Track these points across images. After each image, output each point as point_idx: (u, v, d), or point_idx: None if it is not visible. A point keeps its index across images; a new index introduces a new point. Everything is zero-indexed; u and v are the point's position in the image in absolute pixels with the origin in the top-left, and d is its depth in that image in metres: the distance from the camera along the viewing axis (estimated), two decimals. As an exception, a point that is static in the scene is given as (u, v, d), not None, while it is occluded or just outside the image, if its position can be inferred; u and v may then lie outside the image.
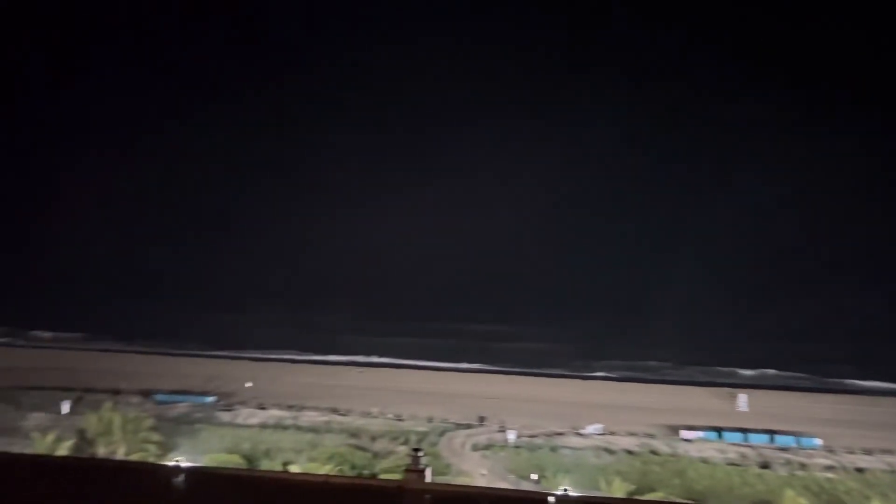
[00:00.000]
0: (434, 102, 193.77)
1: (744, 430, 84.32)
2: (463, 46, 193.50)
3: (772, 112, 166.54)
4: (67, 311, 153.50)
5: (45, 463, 41.69)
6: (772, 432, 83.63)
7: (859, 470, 72.65)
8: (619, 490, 60.21)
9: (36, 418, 78.69)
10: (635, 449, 77.73)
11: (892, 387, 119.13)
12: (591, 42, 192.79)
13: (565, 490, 35.27)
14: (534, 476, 66.75)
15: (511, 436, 78.68)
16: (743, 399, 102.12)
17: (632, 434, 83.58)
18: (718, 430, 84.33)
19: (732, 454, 77.19)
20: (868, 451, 78.69)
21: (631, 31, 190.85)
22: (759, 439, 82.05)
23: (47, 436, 63.16)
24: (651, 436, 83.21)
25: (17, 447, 63.66)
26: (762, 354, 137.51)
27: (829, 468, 73.06)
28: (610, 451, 76.02)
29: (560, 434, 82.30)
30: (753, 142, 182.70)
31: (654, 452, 76.83)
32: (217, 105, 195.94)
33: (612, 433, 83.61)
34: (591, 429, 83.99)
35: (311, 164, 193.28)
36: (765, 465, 73.38)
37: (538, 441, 78.66)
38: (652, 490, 63.15)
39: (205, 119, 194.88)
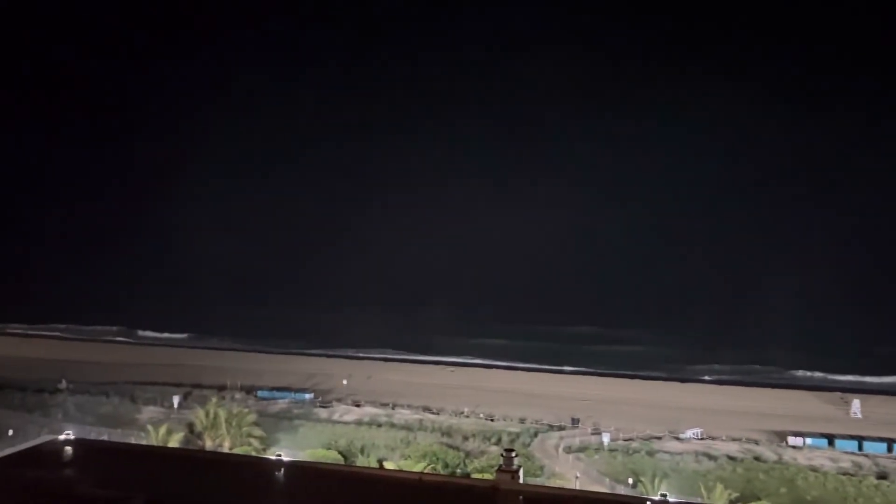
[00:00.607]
0: (536, 101, 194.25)
1: (858, 438, 79.18)
2: (567, 43, 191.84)
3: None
4: (176, 312, 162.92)
5: (159, 453, 44.36)
6: (891, 441, 78.15)
7: None
8: (720, 497, 57.89)
9: (149, 411, 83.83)
10: (738, 455, 74.49)
11: None
12: (698, 39, 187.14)
13: (664, 496, 34.34)
14: (630, 481, 65.19)
15: (606, 438, 77.15)
16: (856, 405, 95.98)
17: (734, 439, 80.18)
18: (829, 438, 79.59)
19: (846, 463, 72.61)
20: None
21: (744, 32, 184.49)
22: (875, 448, 76.85)
23: (160, 428, 67.07)
24: (755, 441, 79.56)
25: (133, 438, 68.06)
26: (876, 359, 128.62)
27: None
28: (711, 457, 73.19)
29: (657, 438, 80.00)
30: (869, 140, 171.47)
31: (758, 459, 73.39)
32: (319, 109, 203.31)
33: (712, 438, 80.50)
34: (690, 433, 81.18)
35: (407, 168, 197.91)
36: (882, 476, 68.63)
37: (634, 444, 76.74)
38: (756, 499, 60.37)
39: (305, 123, 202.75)
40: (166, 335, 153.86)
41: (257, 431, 69.40)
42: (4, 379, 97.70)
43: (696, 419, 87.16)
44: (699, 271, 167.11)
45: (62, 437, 40.41)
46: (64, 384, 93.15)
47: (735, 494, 59.51)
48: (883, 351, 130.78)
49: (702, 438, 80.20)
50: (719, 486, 59.99)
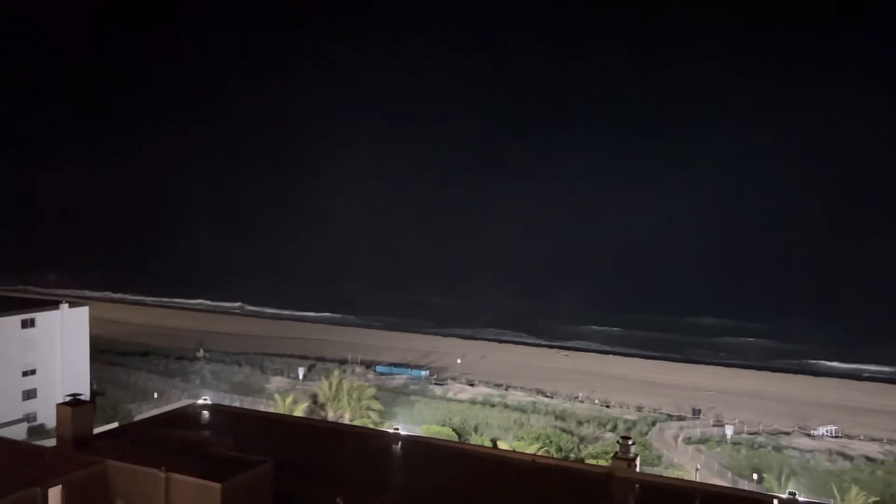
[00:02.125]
0: (661, 96, 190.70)
1: None
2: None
3: None
4: (308, 290, 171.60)
5: (286, 421, 46.90)
6: None
7: None
8: (856, 500, 54.07)
9: (277, 382, 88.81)
10: (877, 456, 69.22)
11: None
12: (823, 46, 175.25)
13: (792, 494, 32.50)
14: (754, 476, 62.19)
15: (729, 431, 73.89)
16: None
17: (874, 439, 74.53)
18: None
19: None
20: None
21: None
22: None
23: (286, 398, 70.94)
24: (897, 443, 73.57)
25: (262, 405, 72.45)
26: None
27: None
28: (846, 456, 68.45)
29: (786, 433, 75.73)
30: None
31: (901, 462, 67.89)
32: (456, 98, 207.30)
33: (848, 436, 75.23)
34: (823, 430, 76.23)
35: (542, 158, 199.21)
36: None
37: (760, 439, 73.02)
38: (898, 504, 55.95)
39: (442, 111, 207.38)
40: (299, 313, 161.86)
41: (376, 405, 71.86)
42: (151, 346, 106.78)
43: (830, 415, 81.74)
44: (832, 266, 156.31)
45: (200, 401, 43.71)
46: (201, 353, 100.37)
47: (873, 498, 55.34)
48: None
49: (836, 436, 75.16)
50: (854, 488, 56.01)
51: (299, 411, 67.84)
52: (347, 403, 70.61)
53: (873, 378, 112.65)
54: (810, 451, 69.37)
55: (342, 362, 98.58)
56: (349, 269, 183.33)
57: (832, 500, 54.70)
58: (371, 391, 73.96)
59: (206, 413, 40.19)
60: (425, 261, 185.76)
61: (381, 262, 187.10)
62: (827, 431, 76.01)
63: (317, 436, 38.77)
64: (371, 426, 62.46)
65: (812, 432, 75.99)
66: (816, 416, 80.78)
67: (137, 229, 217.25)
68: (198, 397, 47.88)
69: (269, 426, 40.56)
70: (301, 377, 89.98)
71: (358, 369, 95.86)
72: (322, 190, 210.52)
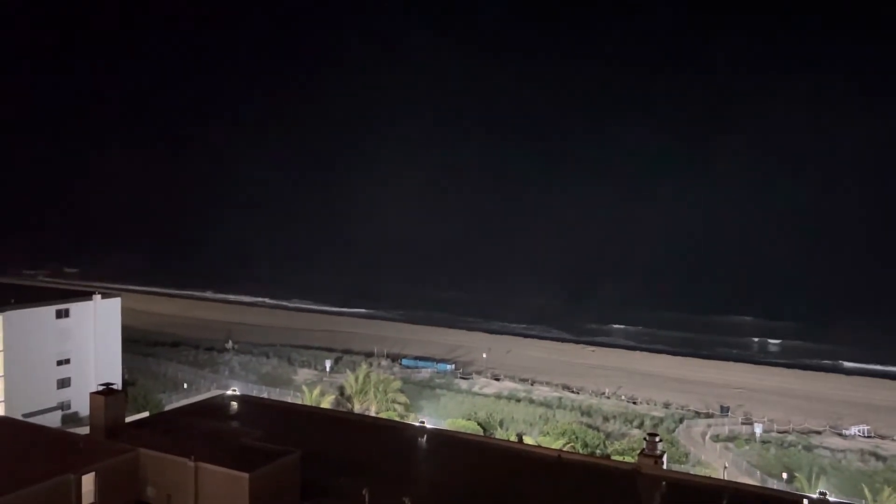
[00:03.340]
0: (695, 101, 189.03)
1: None
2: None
3: None
4: (337, 283, 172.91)
5: (314, 413, 47.31)
6: None
7: None
8: (889, 501, 53.05)
9: (304, 374, 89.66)
10: (912, 457, 67.77)
11: None
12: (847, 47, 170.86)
13: (823, 494, 31.99)
14: (784, 475, 61.31)
15: (758, 429, 72.91)
16: None
17: (908, 440, 73.01)
18: None
19: None
20: None
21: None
22: None
23: (314, 389, 71.57)
24: (933, 444, 71.93)
25: (290, 397, 73.20)
26: None
27: None
28: (878, 457, 67.15)
29: (817, 432, 74.51)
30: None
31: (936, 464, 66.40)
32: (501, 92, 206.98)
33: (881, 437, 73.76)
34: (855, 429, 74.84)
35: (585, 158, 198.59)
36: None
37: (790, 438, 71.95)
38: (933, 506, 54.69)
39: (488, 106, 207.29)
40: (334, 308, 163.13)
41: (402, 398, 72.18)
42: (181, 337, 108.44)
43: (864, 415, 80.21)
44: (866, 262, 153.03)
45: (229, 392, 44.31)
46: (230, 344, 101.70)
47: (907, 500, 54.29)
48: None
49: (868, 436, 73.76)
50: (887, 489, 54.94)
51: (326, 403, 68.42)
52: (374, 396, 71.02)
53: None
54: (842, 451, 68.19)
55: (369, 355, 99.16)
56: (380, 263, 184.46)
57: (864, 501, 53.71)
58: (397, 384, 74.28)
59: (234, 404, 40.74)
60: (455, 256, 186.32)
61: (412, 257, 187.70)
62: (859, 431, 74.62)
63: (343, 428, 39.08)
64: (397, 419, 62.79)
65: (843, 432, 74.67)
66: (848, 416, 79.40)
67: (169, 222, 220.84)
68: (226, 388, 48.55)
69: (297, 417, 40.99)
70: (328, 369, 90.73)
71: (384, 362, 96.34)
72: (356, 184, 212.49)
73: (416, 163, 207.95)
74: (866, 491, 55.26)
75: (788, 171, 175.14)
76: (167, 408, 62.27)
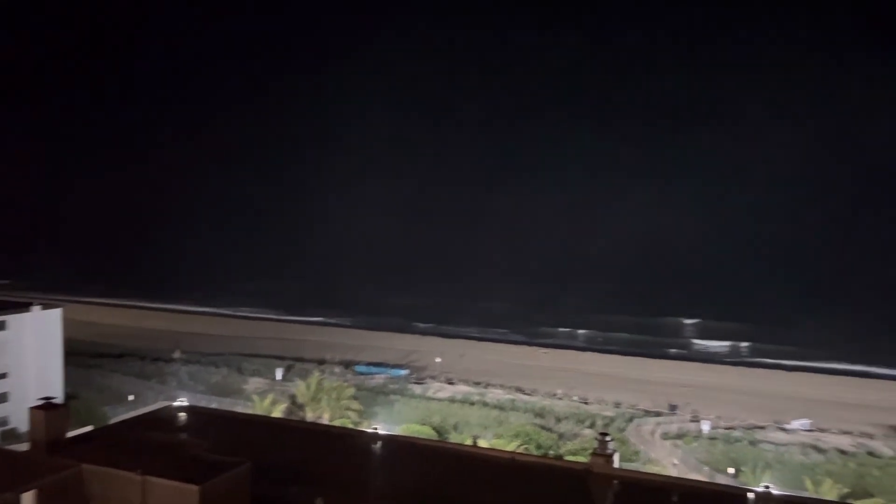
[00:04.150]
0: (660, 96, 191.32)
1: None
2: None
3: None
4: (291, 289, 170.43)
5: (265, 422, 46.57)
6: None
7: None
8: (829, 492, 55.00)
9: (255, 383, 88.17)
10: (850, 449, 70.52)
11: None
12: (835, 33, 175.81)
13: (767, 487, 32.97)
14: (731, 470, 63.02)
15: (705, 426, 74.80)
16: None
17: (846, 432, 75.91)
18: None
19: (973, 463, 67.33)
20: None
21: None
22: None
23: (265, 399, 70.43)
24: (869, 436, 75.00)
25: (240, 407, 71.86)
26: None
27: None
28: (819, 450, 69.64)
29: (760, 427, 76.84)
30: None
31: (872, 454, 69.24)
32: (459, 91, 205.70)
33: (821, 430, 76.52)
34: (797, 424, 77.44)
35: (535, 157, 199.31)
36: None
37: (736, 434, 74.04)
38: (870, 496, 56.98)
39: (445, 106, 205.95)
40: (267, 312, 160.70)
41: (355, 405, 71.65)
42: (126, 348, 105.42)
43: (805, 409, 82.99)
44: (812, 268, 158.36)
45: (177, 403, 43.24)
46: (178, 354, 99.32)
47: (845, 490, 56.42)
48: None
49: (810, 430, 76.40)
50: (828, 481, 57.04)
51: (278, 412, 67.43)
52: (326, 404, 70.33)
53: (844, 373, 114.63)
54: (784, 445, 70.50)
55: (321, 362, 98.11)
56: (333, 269, 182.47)
57: (806, 493, 55.56)
58: (350, 391, 73.74)
59: (182, 415, 39.80)
60: (409, 261, 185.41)
61: (366, 263, 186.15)
62: (801, 425, 77.23)
63: (295, 436, 38.57)
64: (350, 426, 62.27)
65: (786, 426, 77.18)
66: (790, 411, 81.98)
67: (113, 230, 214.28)
68: (174, 399, 47.32)
69: (247, 427, 40.29)
70: (279, 378, 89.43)
71: (337, 369, 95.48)
72: (307, 190, 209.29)
73: (371, 167, 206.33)
74: (808, 483, 57.18)
75: (740, 173, 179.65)
76: (112, 421, 60.41)
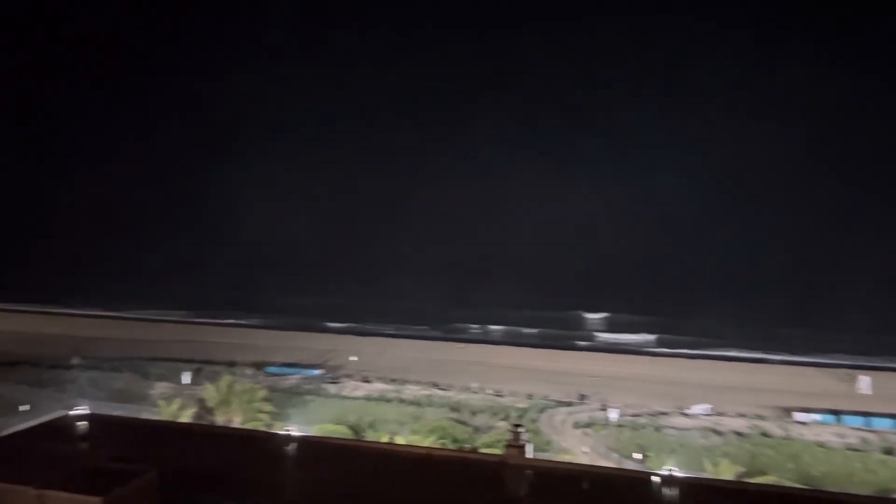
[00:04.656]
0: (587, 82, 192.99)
1: (866, 414, 79.35)
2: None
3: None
4: (188, 289, 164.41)
5: (171, 428, 44.95)
6: (898, 417, 78.33)
7: None
8: (726, 472, 58.30)
9: (161, 387, 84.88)
10: (745, 431, 74.93)
11: None
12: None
13: (670, 470, 34.63)
14: (637, 455, 65.70)
15: (613, 414, 77.65)
16: (865, 381, 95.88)
17: (741, 415, 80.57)
18: (836, 414, 79.81)
19: (853, 439, 72.93)
20: None
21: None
22: (882, 424, 77.02)
23: (172, 404, 67.94)
24: (762, 417, 79.91)
25: (146, 413, 69.02)
26: (881, 334, 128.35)
27: (965, 456, 67.66)
28: (717, 433, 73.64)
29: (664, 413, 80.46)
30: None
31: (765, 435, 73.81)
32: (373, 78, 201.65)
33: (720, 414, 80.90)
34: (697, 409, 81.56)
35: (451, 154, 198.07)
36: (889, 452, 68.91)
37: (641, 420, 77.27)
38: (763, 473, 60.72)
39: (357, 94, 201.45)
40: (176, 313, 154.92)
41: (267, 407, 70.24)
42: (19, 355, 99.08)
43: (704, 395, 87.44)
44: (711, 254, 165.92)
45: (75, 411, 41.06)
46: (77, 360, 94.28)
47: (741, 470, 59.91)
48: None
49: (709, 414, 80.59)
50: (725, 461, 60.43)
51: (186, 417, 65.21)
52: (237, 407, 68.56)
53: (741, 360, 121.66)
54: (686, 430, 74.11)
55: (232, 365, 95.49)
56: (244, 269, 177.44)
57: (706, 474, 58.64)
58: (262, 393, 72.23)
59: (82, 423, 37.84)
60: (324, 259, 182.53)
61: (278, 261, 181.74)
62: (701, 410, 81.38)
63: (204, 441, 37.42)
64: (263, 429, 60.98)
65: (688, 411, 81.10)
66: (692, 397, 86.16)
67: (9, 232, 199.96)
68: (73, 407, 44.88)
69: (153, 434, 38.76)
70: (187, 381, 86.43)
71: (248, 371, 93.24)
72: (216, 187, 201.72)
73: (283, 166, 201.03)
74: (707, 464, 60.38)
75: (649, 170, 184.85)
76: (4, 433, 56.67)
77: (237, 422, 66.98)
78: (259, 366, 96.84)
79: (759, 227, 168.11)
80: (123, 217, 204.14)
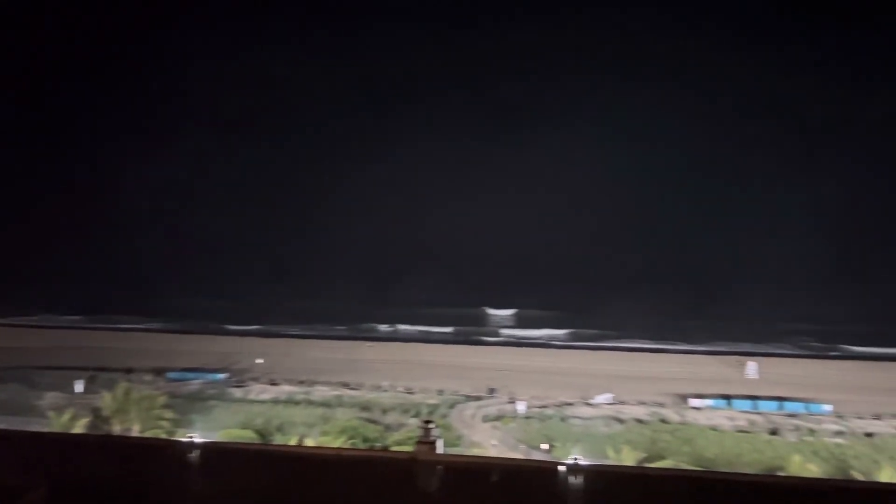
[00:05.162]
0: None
1: (753, 398, 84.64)
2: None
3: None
4: (79, 292, 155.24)
5: (63, 439, 42.33)
6: (781, 399, 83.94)
7: (868, 435, 72.95)
8: (628, 458, 60.81)
9: (51, 397, 79.84)
10: (645, 418, 78.28)
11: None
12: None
13: (575, 459, 35.72)
14: (544, 446, 67.39)
15: (521, 407, 79.30)
16: (752, 367, 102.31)
17: (642, 403, 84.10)
18: (728, 398, 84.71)
19: (742, 421, 77.64)
20: (877, 416, 78.94)
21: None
22: (768, 406, 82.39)
23: (63, 414, 64.10)
24: (661, 404, 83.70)
25: (34, 426, 64.72)
26: (768, 324, 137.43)
27: (839, 434, 73.37)
28: (620, 421, 76.58)
29: (570, 404, 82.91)
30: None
31: (663, 421, 77.37)
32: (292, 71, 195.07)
33: (621, 402, 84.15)
34: (600, 398, 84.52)
35: (367, 152, 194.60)
36: (774, 432, 73.79)
37: (548, 411, 79.31)
38: (661, 458, 63.71)
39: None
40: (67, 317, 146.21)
41: (168, 414, 67.56)
42: None
43: (607, 385, 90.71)
44: (609, 244, 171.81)
45: (-47, 427, 37.97)
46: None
47: (642, 455, 62.61)
48: (776, 314, 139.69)
49: (612, 403, 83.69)
50: (626, 448, 62.97)
51: (79, 428, 61.73)
52: (136, 415, 65.51)
53: (642, 350, 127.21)
54: (590, 419, 76.69)
55: (129, 371, 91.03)
56: (140, 269, 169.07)
57: (609, 461, 60.94)
58: (162, 399, 69.49)
59: (-40, 440, 35.01)
60: (227, 258, 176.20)
61: (178, 260, 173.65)
62: (604, 399, 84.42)
63: (100, 453, 35.36)
64: (164, 436, 58.51)
65: (592, 401, 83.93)
66: (595, 387, 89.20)
67: None
68: (-51, 423, 41.59)
69: (41, 447, 36.28)
70: (80, 390, 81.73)
71: (147, 377, 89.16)
72: (112, 182, 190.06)
73: (186, 160, 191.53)
74: (610, 451, 62.72)
75: (559, 168, 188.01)
76: None
77: (136, 430, 64.02)
78: (159, 371, 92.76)
79: (660, 226, 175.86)
80: (5, 217, 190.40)
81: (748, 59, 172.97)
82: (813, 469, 59.77)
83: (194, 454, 34.35)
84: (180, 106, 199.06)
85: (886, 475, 57.87)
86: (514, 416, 77.50)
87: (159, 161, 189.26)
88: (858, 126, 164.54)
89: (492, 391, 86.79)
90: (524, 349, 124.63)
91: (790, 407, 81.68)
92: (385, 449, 57.24)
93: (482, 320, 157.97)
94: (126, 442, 42.92)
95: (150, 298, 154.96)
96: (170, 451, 35.66)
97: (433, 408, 79.16)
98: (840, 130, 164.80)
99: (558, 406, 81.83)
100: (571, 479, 31.51)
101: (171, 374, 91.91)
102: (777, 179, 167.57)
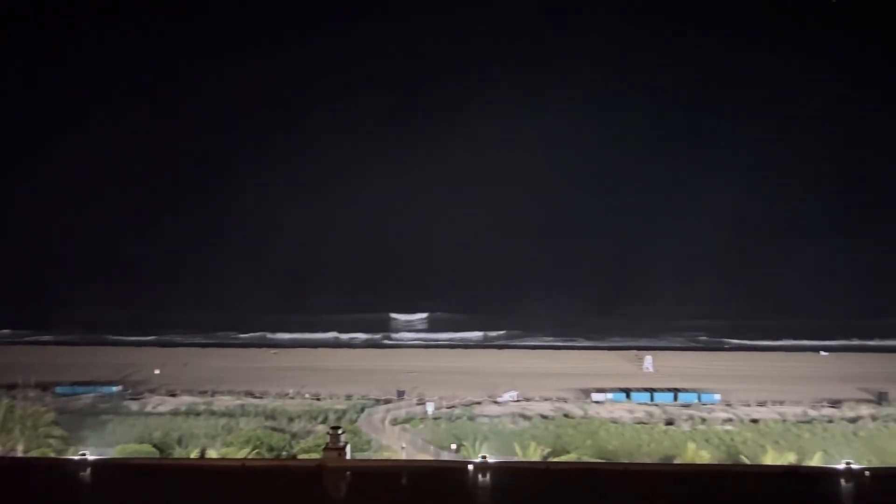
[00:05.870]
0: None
1: (650, 390, 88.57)
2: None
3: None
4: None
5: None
6: (675, 390, 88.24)
7: (754, 421, 77.94)
8: (534, 454, 62.27)
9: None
10: (549, 413, 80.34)
11: (780, 344, 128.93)
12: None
13: (483, 457, 36.25)
14: (453, 446, 67.97)
15: (430, 408, 79.67)
16: (648, 360, 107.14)
17: (546, 399, 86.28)
18: (627, 392, 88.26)
19: (640, 413, 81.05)
20: (762, 403, 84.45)
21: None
22: (663, 398, 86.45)
23: (-65, 437, 59.19)
24: (564, 400, 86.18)
25: None
26: (664, 320, 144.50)
27: (728, 421, 77.98)
28: (525, 417, 78.24)
29: (477, 403, 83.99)
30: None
31: (567, 416, 79.66)
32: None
33: (527, 399, 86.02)
34: (506, 396, 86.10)
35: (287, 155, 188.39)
36: (669, 422, 77.48)
37: (456, 411, 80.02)
38: (566, 452, 65.60)
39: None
40: None
41: (57, 431, 63.60)
42: None
43: (513, 383, 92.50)
44: (504, 244, 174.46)
45: None
46: None
47: (547, 450, 64.28)
48: (670, 311, 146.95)
49: (517, 401, 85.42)
50: (533, 444, 64.49)
51: (-46, 451, 57.09)
52: (20, 433, 61.25)
53: (546, 348, 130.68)
54: (497, 417, 78.00)
55: (11, 387, 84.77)
56: (26, 277, 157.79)
57: (516, 457, 62.18)
58: (50, 416, 65.32)
59: None
60: (120, 267, 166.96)
61: (67, 267, 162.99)
62: (510, 397, 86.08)
63: (-21, 476, 32.92)
64: (52, 455, 55.05)
65: (498, 399, 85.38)
66: (501, 385, 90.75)
67: None
68: None
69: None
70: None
71: (32, 393, 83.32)
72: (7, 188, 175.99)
73: (91, 164, 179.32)
74: (517, 448, 64.03)
75: (471, 170, 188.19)
76: None
77: (20, 450, 59.83)
78: (46, 386, 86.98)
79: (565, 228, 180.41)
80: None
81: (655, 64, 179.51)
82: (705, 455, 63.17)
83: (86, 472, 32.56)
84: (72, 108, 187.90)
85: (770, 458, 61.96)
86: (424, 417, 77.75)
87: (42, 166, 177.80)
88: (747, 137, 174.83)
89: (401, 394, 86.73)
90: (432, 350, 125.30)
91: (684, 398, 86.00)
92: (292, 457, 56.08)
93: (390, 325, 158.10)
94: (9, 462, 40.08)
95: (37, 309, 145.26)
96: (58, 471, 33.62)
97: (342, 413, 78.26)
98: (730, 141, 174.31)
99: (466, 406, 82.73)
100: (479, 477, 32.00)
101: (60, 389, 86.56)
102: (674, 185, 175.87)
